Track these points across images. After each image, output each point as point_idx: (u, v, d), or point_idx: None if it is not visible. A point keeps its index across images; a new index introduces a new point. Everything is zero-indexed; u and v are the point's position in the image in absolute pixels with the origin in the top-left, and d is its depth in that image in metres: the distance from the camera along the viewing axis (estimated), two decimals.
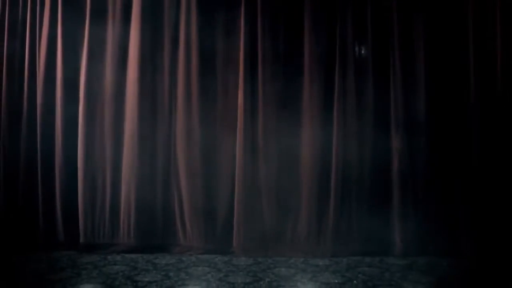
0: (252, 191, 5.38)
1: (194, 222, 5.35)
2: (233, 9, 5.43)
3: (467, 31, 5.25)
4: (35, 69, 5.46)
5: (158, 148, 5.44)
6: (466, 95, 5.24)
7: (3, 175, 5.43)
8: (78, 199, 5.37)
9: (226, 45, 5.44)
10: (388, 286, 4.31)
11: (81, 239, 5.35)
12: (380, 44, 5.34)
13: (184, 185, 5.38)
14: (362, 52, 5.39)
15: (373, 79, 5.33)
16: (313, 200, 5.31)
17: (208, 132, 5.41)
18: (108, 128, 5.43)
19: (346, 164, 5.28)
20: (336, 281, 4.42)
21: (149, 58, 5.44)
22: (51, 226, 5.41)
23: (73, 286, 4.26)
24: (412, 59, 5.30)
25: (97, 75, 5.42)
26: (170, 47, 5.45)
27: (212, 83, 5.43)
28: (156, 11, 5.44)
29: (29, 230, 5.37)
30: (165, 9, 5.45)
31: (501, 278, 4.50)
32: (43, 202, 5.41)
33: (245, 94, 5.36)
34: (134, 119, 5.40)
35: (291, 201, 5.33)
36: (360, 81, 5.34)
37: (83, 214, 5.36)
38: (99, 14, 5.40)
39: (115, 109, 5.43)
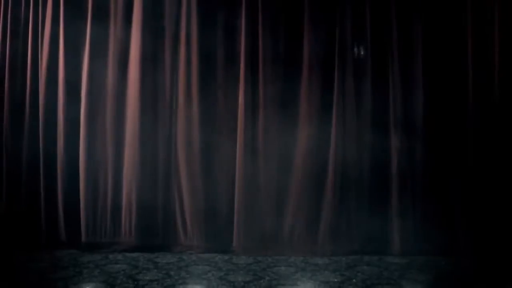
0: (252, 191, 5.41)
1: (195, 221, 5.37)
2: (234, 9, 5.44)
3: (465, 32, 5.27)
4: (37, 69, 5.48)
5: (159, 148, 5.46)
6: (463, 95, 5.26)
7: (5, 174, 5.46)
8: (80, 199, 5.39)
9: (227, 45, 5.45)
10: (387, 284, 4.33)
11: (83, 238, 5.37)
12: (379, 45, 5.35)
13: (185, 184, 5.40)
14: (361, 52, 5.40)
15: (372, 79, 5.34)
16: (313, 200, 5.33)
17: (208, 132, 5.43)
18: (109, 128, 5.45)
19: (345, 164, 5.30)
20: (335, 279, 4.44)
21: (150, 58, 5.46)
22: (53, 225, 5.43)
23: (75, 284, 4.28)
24: (410, 59, 5.31)
25: (99, 75, 5.44)
26: (171, 47, 5.47)
27: (213, 84, 5.45)
28: (157, 11, 5.45)
29: (32, 229, 5.39)
30: (166, 10, 5.46)
31: (499, 277, 4.52)
32: (45, 202, 5.43)
33: (245, 94, 5.38)
34: (135, 119, 5.42)
35: (291, 200, 5.34)
36: (359, 81, 5.35)
37: (84, 213, 5.38)
38: (101, 14, 5.42)
39: (117, 109, 5.45)
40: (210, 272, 4.66)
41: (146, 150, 5.43)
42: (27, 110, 5.48)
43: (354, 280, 4.43)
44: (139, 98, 5.42)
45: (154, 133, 5.46)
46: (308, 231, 5.32)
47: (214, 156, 5.43)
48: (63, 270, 4.68)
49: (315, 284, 4.35)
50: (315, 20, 5.39)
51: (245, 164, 5.38)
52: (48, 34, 5.46)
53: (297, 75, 5.41)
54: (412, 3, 5.34)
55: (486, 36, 5.25)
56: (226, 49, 5.46)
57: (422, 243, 5.16)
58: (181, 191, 5.41)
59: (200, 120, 5.44)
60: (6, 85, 5.47)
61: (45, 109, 5.46)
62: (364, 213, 5.27)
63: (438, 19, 5.31)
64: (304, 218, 5.34)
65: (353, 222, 5.30)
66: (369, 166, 5.32)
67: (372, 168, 5.31)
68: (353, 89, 5.36)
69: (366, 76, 5.37)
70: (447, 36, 5.30)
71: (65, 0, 5.44)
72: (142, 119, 5.43)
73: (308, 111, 5.39)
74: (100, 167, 5.43)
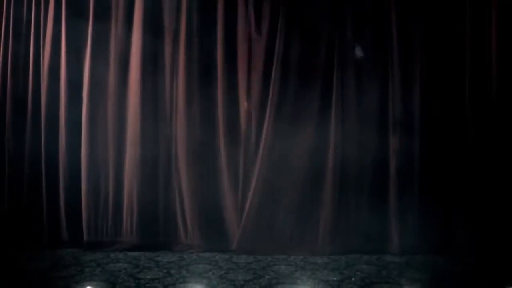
0: (253, 190, 5.44)
1: (195, 221, 5.39)
2: (233, 9, 5.45)
3: (464, 34, 5.28)
4: (39, 70, 5.50)
5: (159, 147, 5.48)
6: (462, 96, 5.28)
7: (8, 174, 5.48)
8: (82, 198, 5.40)
9: (227, 45, 5.46)
10: (386, 283, 4.35)
11: (85, 237, 5.38)
12: (378, 46, 5.37)
13: (185, 184, 5.41)
14: (361, 53, 5.41)
15: (372, 79, 5.36)
16: (313, 200, 5.34)
17: (209, 131, 5.45)
18: (111, 127, 5.47)
19: (344, 163, 5.32)
20: (335, 278, 4.46)
21: (151, 59, 5.47)
22: (55, 224, 5.45)
23: (76, 283, 4.29)
24: (409, 60, 5.32)
25: (100, 75, 5.46)
26: (171, 48, 5.48)
27: (213, 84, 5.47)
28: (158, 12, 5.47)
29: (34, 228, 5.42)
30: (167, 10, 5.48)
31: (498, 276, 4.53)
32: (47, 201, 5.45)
33: (246, 95, 5.41)
34: (136, 119, 5.44)
35: (291, 200, 5.35)
36: (359, 81, 5.37)
37: (86, 212, 5.39)
38: (102, 16, 5.44)
39: (118, 109, 5.47)
40: (211, 271, 4.68)
41: (147, 150, 5.44)
42: (29, 110, 5.50)
43: (353, 278, 4.45)
44: (140, 98, 5.44)
45: (155, 133, 5.48)
46: (308, 231, 5.33)
47: (214, 156, 5.45)
48: (65, 269, 4.70)
49: (314, 282, 4.36)
50: (315, 21, 5.40)
51: (245, 163, 5.40)
52: (50, 35, 5.47)
53: (297, 75, 5.40)
54: (412, 5, 5.34)
55: (483, 38, 5.25)
56: (226, 49, 5.47)
57: (421, 242, 5.17)
58: (182, 190, 5.43)
59: (200, 120, 5.46)
60: (9, 85, 5.50)
61: (47, 109, 5.48)
62: (363, 212, 5.29)
63: (437, 20, 5.31)
64: (304, 217, 5.35)
65: (352, 222, 5.31)
66: (368, 166, 5.33)
67: (371, 167, 5.33)
68: (353, 89, 5.37)
69: (365, 76, 5.37)
70: (446, 37, 5.31)
71: (67, 1, 5.46)
72: (143, 119, 5.44)
73: (308, 111, 5.40)
74: (101, 166, 5.44)
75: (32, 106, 5.50)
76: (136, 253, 5.20)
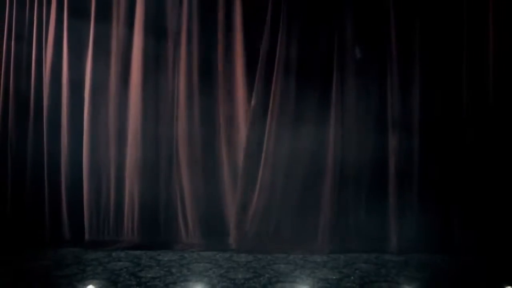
0: (253, 189, 5.46)
1: (196, 220, 5.42)
2: (232, 9, 5.49)
3: (462, 35, 5.32)
4: (41, 71, 5.55)
5: (160, 147, 5.51)
6: (460, 96, 5.31)
7: (11, 174, 5.53)
8: (83, 198, 5.44)
9: (227, 45, 5.49)
10: (384, 282, 4.36)
11: (86, 236, 5.42)
12: (377, 47, 5.39)
13: (186, 183, 5.45)
14: (360, 54, 5.43)
15: (371, 80, 5.38)
16: (313, 199, 5.36)
17: (209, 131, 5.48)
18: (112, 127, 5.51)
19: (344, 163, 5.33)
20: (334, 277, 4.48)
21: (152, 59, 5.50)
22: (57, 223, 5.49)
23: (78, 282, 4.31)
24: (408, 62, 5.34)
25: (102, 76, 5.49)
26: (172, 48, 5.52)
27: (214, 83, 5.49)
28: (159, 13, 5.50)
29: (36, 227, 5.46)
30: (168, 11, 5.51)
31: (496, 274, 4.55)
32: (49, 200, 5.49)
33: (245, 94, 5.45)
34: (138, 119, 5.48)
35: (292, 199, 5.37)
36: (358, 82, 5.38)
37: (88, 212, 5.43)
38: (104, 17, 5.48)
39: (119, 109, 5.51)
40: (211, 269, 4.70)
41: (148, 150, 5.47)
42: (31, 110, 5.55)
43: (352, 277, 4.47)
44: (141, 98, 5.48)
45: (156, 133, 5.51)
46: (309, 230, 5.35)
47: (215, 155, 5.47)
48: (67, 268, 4.72)
49: (314, 281, 4.37)
50: (315, 22, 5.42)
51: (246, 163, 5.43)
52: (52, 36, 5.52)
53: (297, 76, 5.42)
54: (411, 7, 5.36)
55: (481, 38, 5.29)
56: (226, 49, 5.49)
57: (419, 241, 5.19)
58: (183, 190, 5.46)
59: (201, 119, 5.49)
60: (11, 86, 5.54)
61: (49, 109, 5.52)
62: (362, 211, 5.31)
63: (435, 22, 5.34)
64: (305, 216, 5.37)
65: (352, 221, 5.33)
66: (367, 166, 5.35)
67: (370, 167, 5.35)
68: (353, 90, 5.38)
69: (365, 77, 5.39)
70: (444, 39, 5.34)
71: (69, 2, 5.50)
72: (144, 119, 5.48)
73: (308, 111, 5.41)
74: (103, 166, 5.48)
75: (34, 106, 5.55)
76: (137, 252, 5.23)
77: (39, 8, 5.55)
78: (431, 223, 5.20)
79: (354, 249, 5.21)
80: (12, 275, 4.47)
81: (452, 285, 4.38)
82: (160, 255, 5.15)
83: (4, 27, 5.57)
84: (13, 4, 5.57)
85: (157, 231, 5.46)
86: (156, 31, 5.52)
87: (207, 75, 5.50)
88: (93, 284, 4.04)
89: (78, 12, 5.52)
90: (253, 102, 5.40)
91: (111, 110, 5.52)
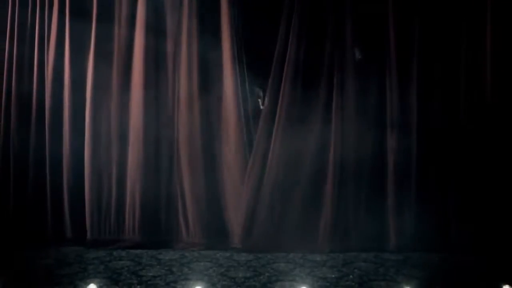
0: (253, 189, 5.49)
1: (196, 219, 5.44)
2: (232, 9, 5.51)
3: (460, 36, 5.34)
4: (43, 72, 5.56)
5: (161, 147, 5.52)
6: (456, 97, 5.33)
7: (13, 173, 5.54)
8: (85, 197, 5.47)
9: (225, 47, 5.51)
10: (383, 280, 4.39)
11: (88, 236, 5.45)
12: (377, 49, 5.40)
13: (187, 183, 5.46)
14: (360, 56, 5.45)
15: (371, 81, 5.39)
16: (313, 198, 5.37)
17: (210, 130, 5.50)
18: (113, 127, 5.52)
19: (344, 163, 5.34)
20: (333, 275, 4.50)
21: (153, 60, 5.52)
22: (59, 222, 5.52)
23: (80, 280, 4.32)
24: (407, 64, 5.35)
25: (103, 76, 5.51)
26: (173, 48, 5.53)
27: (214, 83, 5.51)
28: (160, 14, 5.52)
29: (38, 226, 5.49)
30: (168, 12, 5.52)
31: (493, 273, 4.55)
32: (52, 200, 5.52)
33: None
34: (139, 118, 5.49)
35: (293, 198, 5.38)
36: (358, 83, 5.38)
37: (89, 211, 5.45)
38: (105, 19, 5.50)
39: (121, 108, 5.52)
40: (211, 268, 4.72)
41: (149, 150, 5.49)
42: (33, 110, 5.57)
43: (351, 276, 4.50)
44: (142, 98, 5.49)
45: (157, 132, 5.52)
46: (310, 229, 5.36)
47: (215, 155, 5.49)
48: (69, 266, 4.76)
49: (313, 280, 4.39)
50: (316, 24, 5.43)
51: (246, 161, 5.45)
52: (54, 38, 5.53)
53: (298, 76, 5.45)
54: (410, 9, 5.37)
55: (479, 39, 5.31)
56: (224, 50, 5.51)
57: (418, 240, 5.21)
58: (183, 190, 5.47)
59: (201, 119, 5.50)
60: (14, 87, 5.56)
61: (51, 109, 5.54)
62: (361, 211, 5.32)
63: (433, 25, 5.35)
64: (305, 215, 5.38)
65: (351, 220, 5.33)
66: (366, 165, 5.35)
67: (370, 167, 5.35)
68: (353, 91, 5.37)
69: (364, 78, 5.39)
70: (442, 41, 5.35)
71: (71, 4, 5.51)
72: (145, 119, 5.49)
73: (309, 111, 5.43)
74: (104, 166, 5.50)
75: (36, 106, 5.57)
76: (138, 251, 5.24)
77: (41, 9, 5.57)
78: (430, 222, 5.22)
79: (354, 248, 5.22)
80: (14, 274, 4.49)
81: (450, 284, 4.39)
82: (161, 254, 5.17)
83: (6, 28, 5.59)
84: (15, 6, 5.58)
85: (158, 230, 5.47)
86: (158, 31, 5.52)
87: (207, 76, 5.52)
88: (94, 283, 4.05)
89: (80, 13, 5.53)
90: (265, 103, 5.42)
91: (112, 110, 5.53)
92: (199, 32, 5.52)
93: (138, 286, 4.21)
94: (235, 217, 5.42)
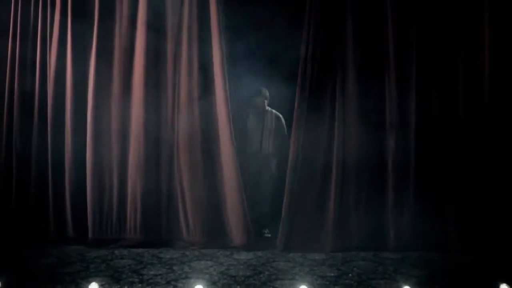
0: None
1: (197, 219, 5.46)
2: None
3: (458, 38, 5.38)
4: (46, 72, 5.60)
5: (162, 147, 5.54)
6: (455, 99, 5.36)
7: (15, 173, 5.57)
8: (87, 196, 5.49)
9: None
10: (382, 279, 4.41)
11: (90, 235, 5.47)
12: (376, 51, 5.43)
13: (187, 183, 5.48)
14: (361, 58, 5.46)
15: (371, 83, 5.41)
16: (315, 197, 5.39)
17: (210, 131, 5.51)
18: (115, 127, 5.55)
19: (346, 163, 5.36)
20: (332, 274, 4.53)
21: (154, 61, 5.55)
22: (61, 222, 5.54)
23: (82, 279, 4.34)
24: (406, 65, 5.38)
25: (105, 77, 5.55)
26: (173, 49, 5.55)
27: (211, 84, 5.54)
28: (161, 13, 5.55)
29: (41, 226, 5.52)
30: (169, 12, 5.56)
31: (492, 272, 4.57)
32: (54, 199, 5.55)
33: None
34: (140, 118, 5.51)
35: (292, 198, 5.39)
36: (359, 84, 5.40)
37: (91, 210, 5.48)
38: (107, 19, 5.54)
39: (122, 109, 5.55)
40: (212, 267, 4.74)
41: (150, 149, 5.51)
42: (36, 110, 5.60)
43: (350, 274, 4.52)
44: (143, 98, 5.51)
45: (158, 132, 5.54)
46: (309, 228, 5.38)
47: (215, 155, 5.50)
48: (71, 265, 4.77)
49: (312, 278, 4.41)
50: (317, 26, 5.43)
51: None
52: (56, 37, 5.56)
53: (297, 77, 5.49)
54: (408, 10, 5.40)
55: (477, 40, 5.35)
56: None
57: (417, 239, 5.23)
58: (184, 189, 5.49)
59: (201, 119, 5.53)
60: (16, 86, 5.59)
61: (53, 109, 5.57)
62: (361, 210, 5.35)
63: (432, 29, 5.38)
64: (306, 215, 5.40)
65: (352, 220, 5.35)
66: (366, 165, 5.37)
67: (369, 167, 5.38)
68: (354, 92, 5.39)
69: (365, 80, 5.41)
70: (440, 44, 5.38)
71: (73, 4, 5.55)
72: (146, 119, 5.51)
73: (310, 112, 5.45)
74: (106, 166, 5.52)
75: (39, 106, 5.60)
76: (139, 250, 5.27)
77: (43, 9, 5.61)
78: (428, 221, 5.25)
79: (354, 247, 5.25)
80: (16, 272, 4.51)
81: (449, 283, 4.40)
82: (162, 253, 5.20)
83: (9, 28, 5.63)
84: (18, 6, 5.63)
85: (159, 229, 5.50)
86: (159, 31, 5.55)
87: (208, 75, 5.55)
88: (96, 281, 4.04)
89: (82, 13, 5.56)
90: (297, 104, 5.40)
91: (113, 110, 5.56)
92: (198, 31, 5.54)
93: (140, 285, 4.23)
94: (235, 217, 5.44)
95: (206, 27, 5.50)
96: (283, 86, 5.95)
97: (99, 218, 5.51)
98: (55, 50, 5.58)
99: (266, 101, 6.04)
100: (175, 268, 4.70)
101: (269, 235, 5.93)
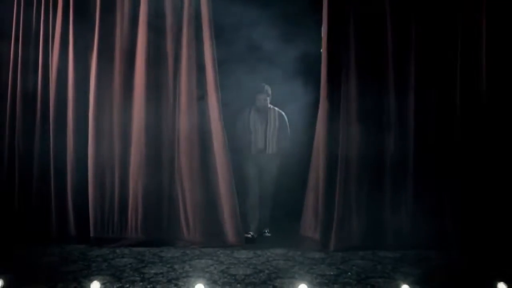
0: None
1: (197, 218, 5.48)
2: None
3: (456, 38, 5.41)
4: (48, 72, 5.63)
5: (163, 147, 5.56)
6: (453, 99, 5.38)
7: (18, 172, 5.60)
8: (89, 196, 5.51)
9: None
10: (381, 278, 4.43)
11: (91, 234, 5.49)
12: (375, 52, 5.45)
13: (187, 183, 5.51)
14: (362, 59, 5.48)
15: (371, 83, 5.43)
16: (316, 197, 5.40)
17: (210, 131, 5.53)
18: (116, 127, 5.57)
19: (347, 162, 5.37)
20: (331, 273, 4.55)
21: (154, 61, 5.57)
22: (63, 221, 5.57)
23: (84, 277, 4.35)
24: (405, 66, 5.41)
25: (106, 77, 5.56)
26: (174, 49, 5.58)
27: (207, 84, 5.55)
28: (161, 14, 5.57)
29: (43, 224, 5.55)
30: (169, 12, 5.57)
31: (489, 271, 4.58)
32: (56, 199, 5.58)
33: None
34: (141, 118, 5.52)
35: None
36: (360, 85, 5.42)
37: (93, 209, 5.49)
38: (108, 21, 5.56)
39: (123, 109, 5.57)
40: (212, 265, 4.76)
41: (151, 149, 5.53)
42: (38, 110, 5.63)
43: (349, 273, 4.54)
44: (144, 98, 5.52)
45: (159, 132, 5.56)
46: (309, 227, 5.41)
47: (215, 155, 5.51)
48: (73, 264, 4.79)
49: (312, 277, 4.43)
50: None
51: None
52: (58, 37, 5.59)
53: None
54: (407, 11, 5.43)
55: (475, 41, 5.38)
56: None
57: (415, 238, 5.25)
58: (184, 189, 5.51)
59: (202, 119, 5.55)
60: (19, 86, 5.62)
61: (55, 109, 5.59)
62: (361, 210, 5.36)
63: (430, 29, 5.41)
64: (306, 214, 5.44)
65: (352, 219, 5.36)
66: (365, 165, 5.38)
67: (368, 166, 5.39)
68: (354, 92, 5.41)
69: (365, 80, 5.43)
70: (439, 45, 5.41)
71: (75, 6, 5.57)
72: (147, 119, 5.53)
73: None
74: (107, 165, 5.53)
75: (41, 106, 5.62)
76: (141, 249, 5.29)
77: (45, 10, 5.63)
78: (427, 220, 5.26)
79: (354, 246, 5.25)
80: (19, 271, 4.52)
81: (447, 281, 4.41)
82: (163, 252, 5.22)
83: (11, 29, 5.66)
84: (20, 7, 5.65)
85: (160, 228, 5.52)
86: (160, 32, 5.57)
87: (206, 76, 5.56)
88: (98, 280, 4.04)
89: (84, 14, 5.59)
90: (325, 104, 5.41)
91: (115, 110, 5.58)
92: (197, 32, 5.55)
93: (141, 283, 4.25)
94: (235, 216, 5.46)
95: (200, 28, 5.53)
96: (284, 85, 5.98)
97: (101, 217, 5.52)
98: (57, 51, 5.60)
99: (268, 99, 6.00)
100: (176, 266, 4.72)
101: (269, 235, 5.96)
